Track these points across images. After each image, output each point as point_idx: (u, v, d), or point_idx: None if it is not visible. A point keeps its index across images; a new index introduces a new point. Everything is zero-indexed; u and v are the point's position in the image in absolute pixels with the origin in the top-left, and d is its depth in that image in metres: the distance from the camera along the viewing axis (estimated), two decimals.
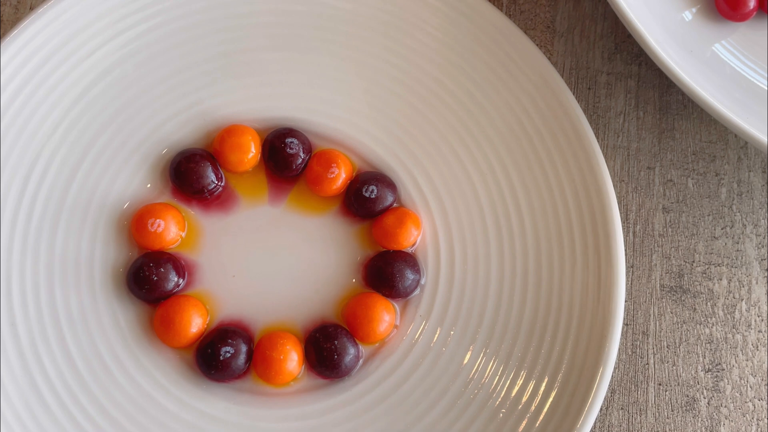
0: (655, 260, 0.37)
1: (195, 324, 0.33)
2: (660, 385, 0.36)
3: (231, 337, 0.33)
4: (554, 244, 0.34)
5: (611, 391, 0.36)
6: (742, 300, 0.36)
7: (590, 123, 0.38)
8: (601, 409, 0.35)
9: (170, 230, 0.34)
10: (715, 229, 0.37)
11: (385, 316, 0.33)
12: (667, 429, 0.35)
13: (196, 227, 0.35)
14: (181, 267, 0.34)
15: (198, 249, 0.35)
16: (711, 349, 0.36)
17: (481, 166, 0.35)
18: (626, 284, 0.36)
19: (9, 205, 0.34)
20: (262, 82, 0.36)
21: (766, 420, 0.35)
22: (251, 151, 0.35)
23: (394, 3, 0.36)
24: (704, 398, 0.36)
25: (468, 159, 0.35)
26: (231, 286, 0.34)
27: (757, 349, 0.36)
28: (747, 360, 0.36)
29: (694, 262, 0.37)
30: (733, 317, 0.36)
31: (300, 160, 0.35)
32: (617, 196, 0.37)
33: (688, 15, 0.37)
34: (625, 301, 0.36)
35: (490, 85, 0.35)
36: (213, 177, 0.35)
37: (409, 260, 0.34)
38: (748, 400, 0.35)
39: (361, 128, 0.36)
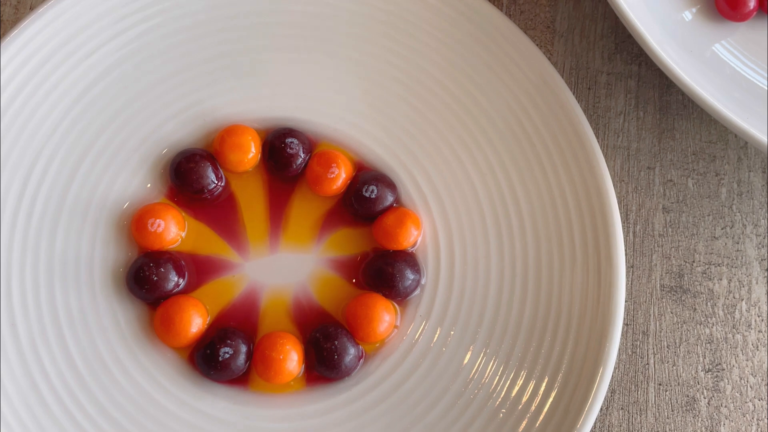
0: (655, 260, 0.37)
1: (195, 324, 0.33)
2: (660, 385, 0.36)
3: (230, 338, 0.33)
4: (554, 244, 0.34)
5: (611, 391, 0.36)
6: (742, 300, 0.36)
7: (590, 123, 0.38)
8: (601, 409, 0.35)
9: (170, 230, 0.34)
10: (715, 229, 0.37)
11: (385, 316, 0.33)
12: (667, 429, 0.35)
13: (195, 227, 0.35)
14: (181, 267, 0.34)
15: (198, 249, 0.35)
16: (711, 349, 0.36)
17: (481, 166, 0.35)
18: (626, 284, 0.36)
19: (9, 205, 0.34)
20: (262, 82, 0.36)
21: (766, 420, 0.35)
22: (251, 151, 0.35)
23: (394, 3, 0.36)
24: (704, 398, 0.36)
25: (468, 159, 0.35)
26: (230, 285, 0.34)
27: (757, 349, 0.36)
28: (747, 360, 0.36)
29: (694, 262, 0.37)
30: (733, 317, 0.36)
31: (300, 160, 0.35)
32: (617, 196, 0.37)
33: (688, 15, 0.37)
34: (625, 301, 0.36)
35: (490, 85, 0.35)
36: (213, 177, 0.35)
37: (409, 260, 0.34)
38: (748, 400, 0.35)
39: (361, 128, 0.36)
